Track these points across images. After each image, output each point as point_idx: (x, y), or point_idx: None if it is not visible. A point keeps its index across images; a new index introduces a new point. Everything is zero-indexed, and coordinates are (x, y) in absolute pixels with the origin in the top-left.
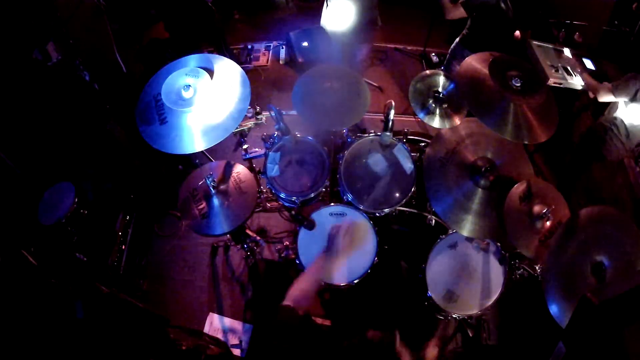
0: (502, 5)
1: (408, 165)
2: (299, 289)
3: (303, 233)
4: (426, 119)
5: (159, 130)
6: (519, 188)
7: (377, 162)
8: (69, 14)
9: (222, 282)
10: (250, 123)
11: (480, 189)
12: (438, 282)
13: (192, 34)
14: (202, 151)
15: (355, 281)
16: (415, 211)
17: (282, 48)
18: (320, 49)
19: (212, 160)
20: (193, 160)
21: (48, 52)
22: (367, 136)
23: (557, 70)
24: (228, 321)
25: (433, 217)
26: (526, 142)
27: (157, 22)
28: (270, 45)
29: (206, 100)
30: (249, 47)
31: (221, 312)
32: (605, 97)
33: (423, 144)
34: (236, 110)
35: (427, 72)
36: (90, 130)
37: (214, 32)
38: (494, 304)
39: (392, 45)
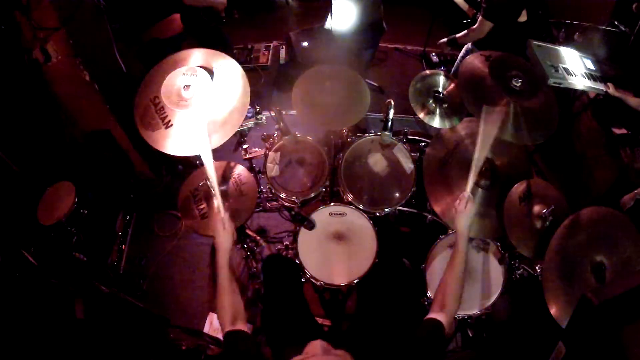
0: None
1: (408, 165)
2: None
3: (303, 233)
4: (426, 119)
5: (165, 134)
6: (519, 188)
7: (377, 162)
8: (69, 14)
9: None
10: (250, 123)
11: (480, 189)
12: (438, 282)
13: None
14: None
15: (355, 281)
16: (415, 211)
17: (282, 48)
18: (321, 49)
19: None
20: (193, 161)
21: (48, 52)
22: (367, 136)
23: (557, 70)
24: None
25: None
26: (526, 143)
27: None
28: (270, 45)
29: (207, 100)
30: (249, 47)
31: None
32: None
33: (423, 144)
34: (237, 109)
35: (427, 72)
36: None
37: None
38: (494, 304)
39: (392, 45)
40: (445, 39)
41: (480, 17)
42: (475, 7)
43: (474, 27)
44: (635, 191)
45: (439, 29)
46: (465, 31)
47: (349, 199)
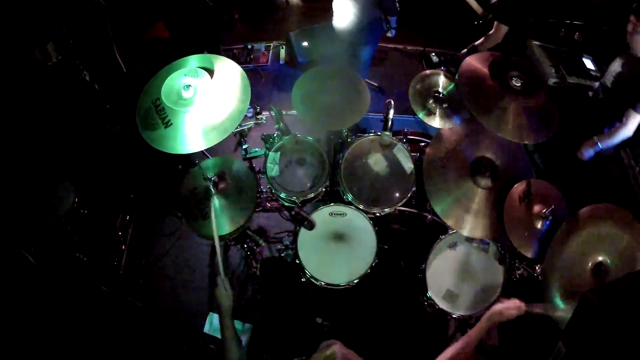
0: None
1: (408, 165)
2: None
3: (303, 233)
4: (426, 119)
5: (165, 133)
6: (519, 188)
7: (377, 162)
8: (69, 14)
9: None
10: (250, 123)
11: (480, 189)
12: (438, 282)
13: (193, 33)
14: (202, 152)
15: (355, 281)
16: (415, 211)
17: (282, 48)
18: (321, 48)
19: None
20: (192, 160)
21: (48, 52)
22: (367, 136)
23: (557, 70)
24: None
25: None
26: (526, 142)
27: (157, 20)
28: (270, 45)
29: (207, 99)
30: (249, 47)
31: None
32: None
33: (423, 144)
34: (237, 108)
35: (427, 72)
36: (90, 130)
37: (211, 31)
38: (494, 304)
39: (392, 45)
40: (465, 50)
41: (496, 22)
42: (486, 9)
43: (491, 32)
44: (595, 139)
45: (438, 29)
46: (483, 38)
47: (349, 199)
